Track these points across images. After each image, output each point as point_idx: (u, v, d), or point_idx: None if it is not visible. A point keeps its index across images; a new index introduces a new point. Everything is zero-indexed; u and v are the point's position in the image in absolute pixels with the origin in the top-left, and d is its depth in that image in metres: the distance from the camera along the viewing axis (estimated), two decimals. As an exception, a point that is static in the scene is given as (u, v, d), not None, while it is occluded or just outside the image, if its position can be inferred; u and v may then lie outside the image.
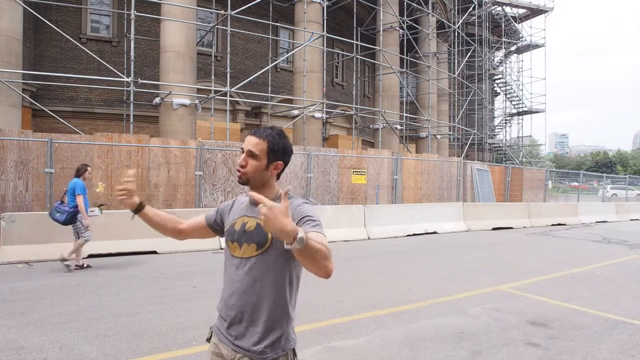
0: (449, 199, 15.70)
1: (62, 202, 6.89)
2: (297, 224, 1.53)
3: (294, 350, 1.65)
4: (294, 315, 1.65)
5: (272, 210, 1.25)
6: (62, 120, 11.30)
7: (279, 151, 1.64)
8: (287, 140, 1.70)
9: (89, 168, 7.10)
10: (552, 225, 15.73)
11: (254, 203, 1.66)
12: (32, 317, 4.57)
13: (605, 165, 61.26)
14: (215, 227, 1.85)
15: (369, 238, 11.05)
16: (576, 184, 25.47)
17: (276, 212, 1.25)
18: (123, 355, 3.69)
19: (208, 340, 1.76)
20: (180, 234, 1.90)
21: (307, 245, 1.28)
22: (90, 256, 7.73)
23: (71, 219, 6.75)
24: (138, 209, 1.83)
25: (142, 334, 4.17)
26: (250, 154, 1.62)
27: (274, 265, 1.57)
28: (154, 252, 8.24)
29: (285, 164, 1.69)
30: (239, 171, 1.65)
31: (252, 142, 1.63)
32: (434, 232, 12.47)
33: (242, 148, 1.67)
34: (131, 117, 11.62)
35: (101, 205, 7.64)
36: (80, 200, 6.70)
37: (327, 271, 1.38)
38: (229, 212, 1.79)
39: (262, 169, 1.63)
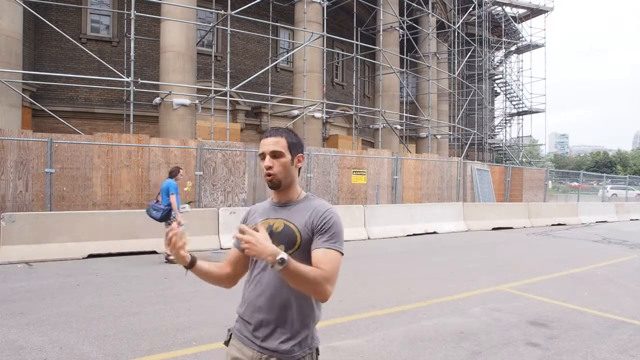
0: (449, 199, 15.70)
1: (157, 201, 7.61)
2: (314, 230, 1.58)
3: (317, 349, 1.67)
4: (319, 315, 1.67)
5: (252, 237, 1.38)
6: (62, 120, 11.30)
7: (297, 144, 1.67)
8: (299, 136, 1.74)
9: (181, 170, 7.87)
10: (552, 225, 15.73)
11: (279, 205, 1.69)
12: (32, 317, 4.57)
13: (605, 165, 61.27)
14: None
15: (369, 238, 11.05)
16: (576, 184, 25.47)
17: (257, 238, 1.38)
18: (123, 355, 3.69)
19: (226, 343, 1.71)
20: (229, 279, 1.75)
21: (287, 268, 1.38)
22: (90, 256, 7.75)
23: (166, 215, 7.44)
24: (191, 264, 1.65)
25: (142, 334, 4.17)
26: (274, 154, 1.61)
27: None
28: (154, 252, 8.24)
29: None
30: (268, 175, 1.62)
31: (271, 142, 1.62)
32: (434, 232, 12.47)
33: (261, 154, 1.64)
34: (131, 117, 11.62)
35: (190, 202, 8.44)
36: (173, 199, 7.41)
37: (321, 295, 1.49)
38: (246, 222, 1.76)
39: (289, 164, 1.63)
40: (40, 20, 12.05)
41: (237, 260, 1.74)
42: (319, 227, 1.58)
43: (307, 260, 1.55)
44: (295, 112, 15.64)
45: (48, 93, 14.82)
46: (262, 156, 1.63)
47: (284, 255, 1.37)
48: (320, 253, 1.54)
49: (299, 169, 1.72)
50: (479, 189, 17.16)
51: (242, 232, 1.41)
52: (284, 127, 1.77)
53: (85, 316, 4.63)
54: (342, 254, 1.58)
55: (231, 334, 1.70)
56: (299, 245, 1.59)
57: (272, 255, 1.36)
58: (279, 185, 1.63)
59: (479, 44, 26.53)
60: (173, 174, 7.72)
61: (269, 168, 1.61)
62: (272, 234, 1.61)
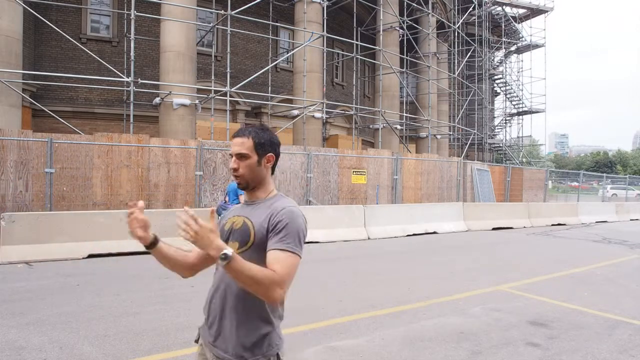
0: (449, 199, 15.70)
1: (225, 202, 8.07)
2: (269, 229, 1.51)
3: (277, 355, 1.55)
4: (277, 318, 1.58)
5: (201, 228, 1.30)
6: (62, 120, 11.30)
7: (265, 144, 1.62)
8: (271, 132, 1.68)
9: None
10: (552, 225, 15.72)
11: (247, 203, 1.67)
12: (32, 317, 4.57)
13: (605, 165, 61.29)
14: None
15: (369, 238, 11.05)
16: (576, 184, 25.47)
17: (204, 230, 1.30)
18: (123, 355, 3.69)
19: (196, 341, 1.73)
20: (191, 268, 1.74)
21: (231, 265, 1.31)
22: (91, 256, 7.75)
23: None
24: (153, 244, 1.59)
25: (142, 334, 4.17)
26: (239, 156, 1.60)
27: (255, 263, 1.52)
28: (154, 252, 8.23)
29: (277, 155, 1.67)
30: (235, 177, 1.62)
31: (237, 142, 1.61)
32: (434, 232, 12.46)
33: (230, 154, 1.64)
34: (131, 117, 11.62)
35: None
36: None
37: (269, 298, 1.40)
38: (223, 218, 1.77)
39: (255, 165, 1.61)
40: (40, 20, 12.04)
41: (204, 253, 1.70)
42: (273, 226, 1.51)
43: (257, 260, 1.46)
44: (295, 112, 15.64)
45: (48, 93, 14.82)
46: (231, 156, 1.63)
47: (228, 250, 1.30)
48: (274, 255, 1.45)
49: (273, 167, 1.68)
50: (479, 189, 17.16)
51: (193, 219, 1.32)
52: (260, 123, 1.73)
53: (85, 316, 4.63)
54: (299, 256, 1.49)
55: (199, 333, 1.71)
56: (252, 243, 1.54)
57: (216, 249, 1.30)
58: (246, 186, 1.63)
59: (479, 44, 26.54)
60: None
61: (235, 170, 1.60)
62: (232, 230, 1.61)
